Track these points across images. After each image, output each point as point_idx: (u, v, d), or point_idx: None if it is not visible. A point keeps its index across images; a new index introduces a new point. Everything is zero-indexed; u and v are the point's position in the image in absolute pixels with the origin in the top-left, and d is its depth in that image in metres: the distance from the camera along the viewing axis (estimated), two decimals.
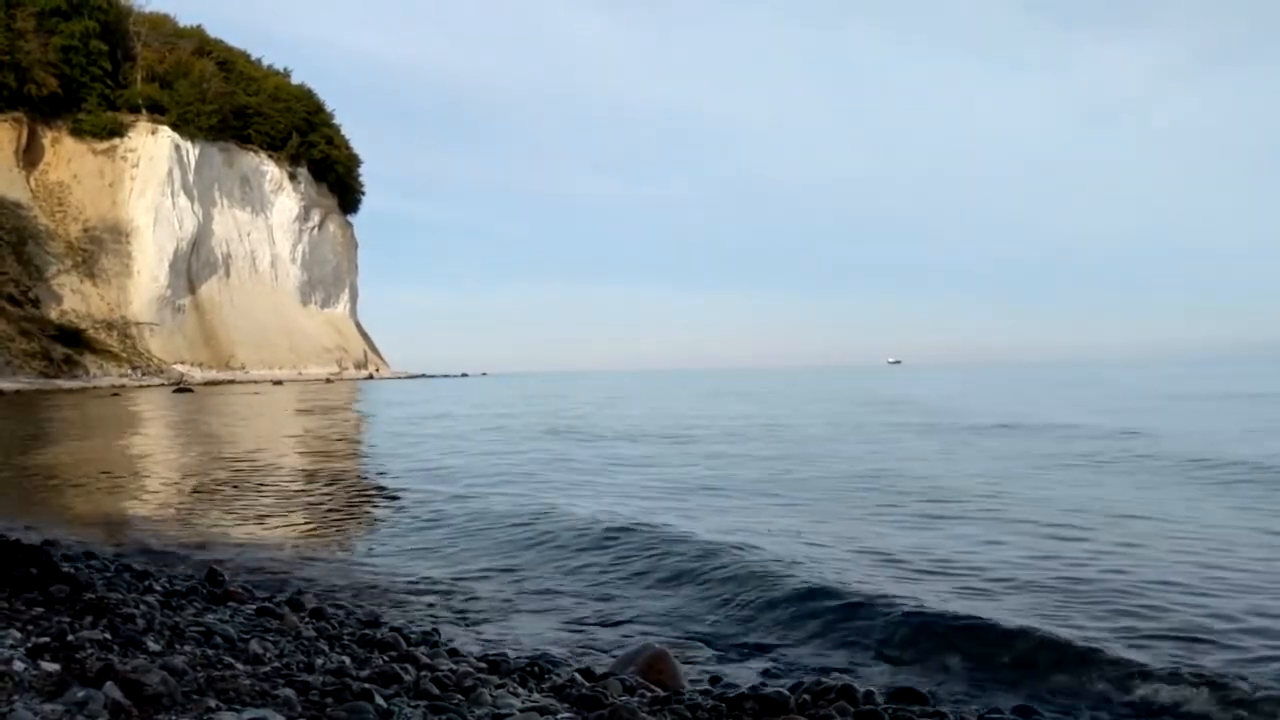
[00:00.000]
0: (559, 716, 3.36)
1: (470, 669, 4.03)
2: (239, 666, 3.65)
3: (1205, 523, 8.05)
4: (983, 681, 4.27)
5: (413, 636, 4.82)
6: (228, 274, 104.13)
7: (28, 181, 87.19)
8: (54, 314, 79.79)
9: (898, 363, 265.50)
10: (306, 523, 9.17)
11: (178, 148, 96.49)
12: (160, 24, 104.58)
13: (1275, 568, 6.28)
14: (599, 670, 4.25)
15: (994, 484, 10.90)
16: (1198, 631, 4.82)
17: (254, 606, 5.25)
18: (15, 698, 2.85)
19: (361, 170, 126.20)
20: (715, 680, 4.29)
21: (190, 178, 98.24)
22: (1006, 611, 5.23)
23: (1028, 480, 11.38)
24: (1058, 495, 9.91)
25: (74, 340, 76.05)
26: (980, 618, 5.02)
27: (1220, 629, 4.85)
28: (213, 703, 3.05)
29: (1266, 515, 8.37)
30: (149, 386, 72.41)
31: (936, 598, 5.70)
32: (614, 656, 4.60)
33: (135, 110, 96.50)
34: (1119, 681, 4.15)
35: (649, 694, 3.87)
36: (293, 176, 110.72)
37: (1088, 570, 6.29)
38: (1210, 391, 38.82)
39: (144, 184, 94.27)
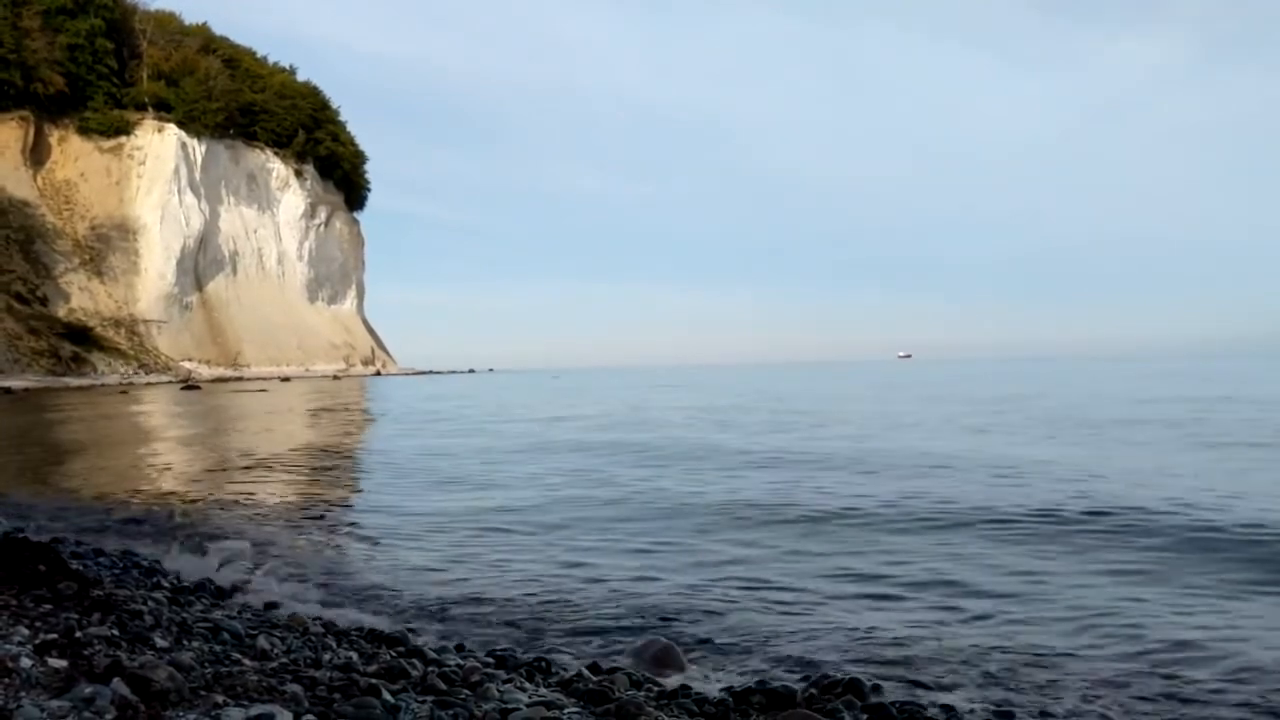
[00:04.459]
0: (566, 711, 3.35)
1: (477, 664, 4.03)
2: (246, 662, 3.66)
3: None
4: (991, 673, 4.25)
5: (419, 631, 4.82)
6: (235, 271, 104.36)
7: (35, 180, 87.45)
8: (62, 312, 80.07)
9: (908, 357, 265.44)
10: (315, 520, 9.18)
11: (184, 145, 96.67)
12: (166, 22, 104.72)
13: None
14: (606, 664, 4.24)
15: None
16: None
17: (262, 602, 5.26)
18: (23, 694, 2.85)
19: (366, 168, 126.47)
20: (722, 673, 4.28)
21: (197, 175, 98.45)
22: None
23: None
24: None
25: (82, 338, 76.31)
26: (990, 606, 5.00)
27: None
28: (220, 699, 3.06)
29: None
30: (156, 384, 72.63)
31: (947, 585, 5.69)
32: (621, 651, 4.60)
33: (141, 108, 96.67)
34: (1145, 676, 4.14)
35: (656, 688, 3.87)
36: (299, 173, 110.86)
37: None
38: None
39: (151, 182, 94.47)
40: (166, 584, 5.61)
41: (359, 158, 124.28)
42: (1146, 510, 8.08)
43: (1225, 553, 6.47)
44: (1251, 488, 9.60)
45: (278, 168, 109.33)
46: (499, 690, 3.54)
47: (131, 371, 78.82)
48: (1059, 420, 20.55)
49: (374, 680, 3.49)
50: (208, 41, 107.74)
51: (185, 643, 3.89)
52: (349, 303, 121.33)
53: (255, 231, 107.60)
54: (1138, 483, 10.02)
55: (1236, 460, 12.28)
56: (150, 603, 4.60)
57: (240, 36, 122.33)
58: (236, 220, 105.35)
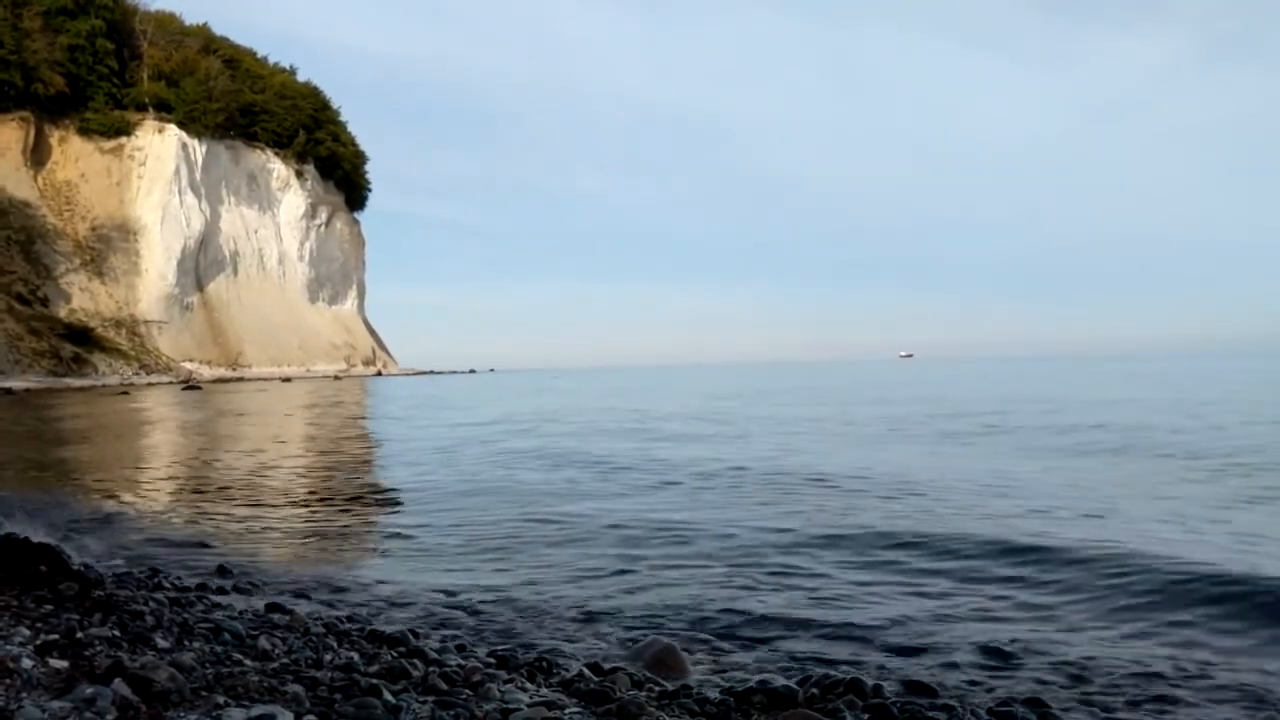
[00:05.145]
0: (567, 711, 3.35)
1: (479, 664, 4.03)
2: (247, 663, 3.66)
3: None
4: (992, 675, 4.25)
5: (420, 632, 4.82)
6: (235, 272, 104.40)
7: (35, 181, 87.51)
8: (63, 312, 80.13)
9: (909, 356, 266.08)
10: (316, 519, 9.18)
11: (184, 146, 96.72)
12: (166, 22, 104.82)
13: None
14: (607, 665, 4.24)
15: None
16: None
17: (263, 603, 5.26)
18: (23, 695, 2.86)
19: (367, 168, 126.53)
20: (723, 674, 4.28)
21: (197, 176, 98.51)
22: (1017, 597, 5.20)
23: None
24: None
25: (83, 339, 76.35)
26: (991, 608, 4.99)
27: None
28: (221, 699, 3.06)
29: None
30: (157, 384, 72.66)
31: (949, 587, 5.69)
32: (622, 651, 4.60)
33: (142, 109, 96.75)
34: (1136, 674, 4.14)
35: (657, 688, 3.87)
36: (299, 174, 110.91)
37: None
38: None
39: (151, 182, 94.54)
40: (168, 585, 5.62)
41: (359, 158, 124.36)
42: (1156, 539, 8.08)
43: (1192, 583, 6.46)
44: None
45: (278, 168, 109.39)
46: (500, 690, 3.54)
47: (132, 372, 78.85)
48: (1063, 425, 20.57)
49: (375, 680, 3.49)
50: (208, 42, 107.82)
51: (186, 643, 3.89)
52: (350, 303, 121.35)
53: (256, 232, 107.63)
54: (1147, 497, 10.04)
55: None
56: (151, 603, 4.60)
57: (240, 36, 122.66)
58: (237, 221, 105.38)
